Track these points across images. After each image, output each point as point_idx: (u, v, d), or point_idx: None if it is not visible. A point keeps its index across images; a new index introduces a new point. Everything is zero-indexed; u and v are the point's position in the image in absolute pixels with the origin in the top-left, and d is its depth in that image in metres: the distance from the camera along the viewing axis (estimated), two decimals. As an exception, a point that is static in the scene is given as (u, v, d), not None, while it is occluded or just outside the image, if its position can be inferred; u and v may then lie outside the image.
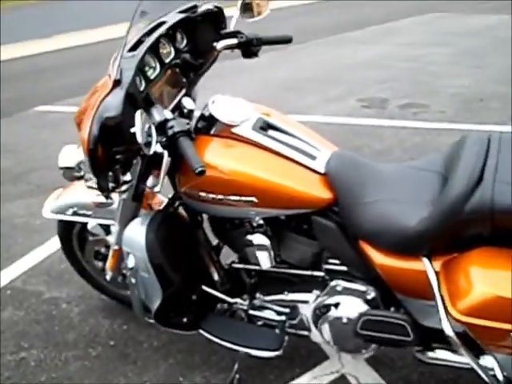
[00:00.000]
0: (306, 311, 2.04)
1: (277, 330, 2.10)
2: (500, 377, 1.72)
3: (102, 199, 2.08)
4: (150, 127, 1.67)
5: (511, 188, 1.56)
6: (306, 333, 2.11)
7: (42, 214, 2.45)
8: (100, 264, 2.54)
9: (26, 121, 5.88)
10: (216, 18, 2.17)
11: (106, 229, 2.48)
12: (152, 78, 1.89)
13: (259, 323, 2.18)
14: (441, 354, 1.93)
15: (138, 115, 1.62)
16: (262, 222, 1.97)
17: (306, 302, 2.03)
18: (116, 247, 2.26)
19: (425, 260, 1.75)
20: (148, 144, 1.65)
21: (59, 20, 13.24)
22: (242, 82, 6.55)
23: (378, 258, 1.82)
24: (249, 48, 2.16)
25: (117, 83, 1.70)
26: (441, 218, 1.65)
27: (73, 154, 2.00)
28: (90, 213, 2.35)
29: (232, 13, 2.19)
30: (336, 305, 1.95)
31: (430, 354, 1.94)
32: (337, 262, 2.00)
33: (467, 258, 1.65)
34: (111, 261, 2.33)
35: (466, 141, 1.80)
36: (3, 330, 2.61)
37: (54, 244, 3.26)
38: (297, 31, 9.49)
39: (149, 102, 1.82)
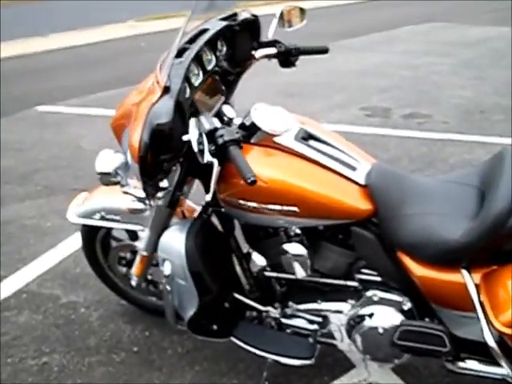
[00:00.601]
0: (340, 320, 2.07)
1: (310, 339, 2.13)
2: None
3: (137, 205, 2.10)
4: (201, 135, 1.70)
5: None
6: (336, 342, 2.15)
7: (68, 219, 2.45)
8: (124, 269, 2.55)
9: (26, 120, 5.84)
10: (253, 26, 2.19)
11: (132, 235, 2.51)
12: (196, 85, 1.91)
13: (289, 331, 2.21)
14: (471, 365, 1.97)
15: (193, 123, 1.64)
16: (298, 231, 2.00)
17: (339, 311, 2.06)
18: (144, 253, 2.27)
19: (464, 272, 1.79)
20: (200, 152, 1.67)
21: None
22: (245, 87, 6.57)
23: (417, 269, 1.86)
24: (287, 58, 2.19)
25: (166, 90, 1.72)
26: (484, 231, 1.69)
27: (110, 159, 2.00)
28: (118, 218, 2.36)
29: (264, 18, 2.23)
30: (371, 315, 1.99)
31: (461, 364, 1.98)
32: (370, 272, 2.04)
33: (508, 271, 1.70)
34: (138, 266, 2.34)
35: (505, 156, 1.84)
36: (22, 334, 2.60)
37: (67, 247, 3.28)
38: (299, 38, 9.53)
39: (194, 109, 1.85)
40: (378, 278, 2.02)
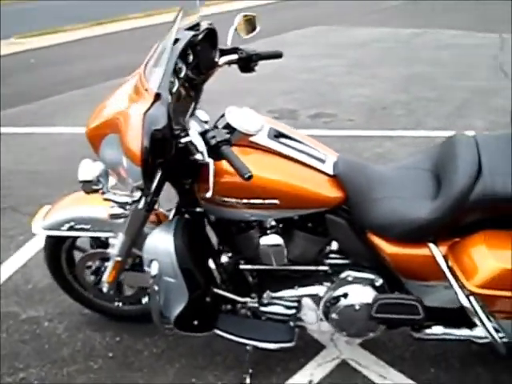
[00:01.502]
0: (316, 303, 2.25)
1: (288, 323, 2.30)
2: (501, 340, 2.03)
3: (116, 211, 2.17)
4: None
5: (508, 179, 1.89)
6: (309, 324, 2.33)
7: (33, 232, 2.47)
8: (92, 278, 2.59)
9: None
10: (212, 35, 2.32)
11: (98, 243, 2.56)
12: (173, 91, 2.02)
13: (265, 318, 2.36)
14: (436, 330, 2.21)
15: (193, 125, 1.76)
16: (273, 223, 2.16)
17: (315, 294, 2.24)
18: (119, 258, 2.34)
19: (431, 246, 2.03)
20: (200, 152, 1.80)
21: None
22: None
23: (387, 247, 2.08)
24: (248, 63, 2.34)
25: (158, 97, 1.83)
26: (448, 208, 1.94)
27: (91, 168, 2.07)
28: (88, 227, 2.41)
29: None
30: (346, 294, 2.18)
31: (427, 330, 2.22)
32: (339, 256, 2.24)
33: (473, 241, 1.95)
34: (112, 272, 2.40)
35: (455, 141, 2.10)
36: (-11, 353, 2.58)
37: (12, 264, 3.24)
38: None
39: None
40: (347, 261, 2.23)
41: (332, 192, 2.08)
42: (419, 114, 5.60)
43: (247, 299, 2.33)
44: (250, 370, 2.35)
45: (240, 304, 2.36)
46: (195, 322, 2.29)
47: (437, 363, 2.36)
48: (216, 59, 2.30)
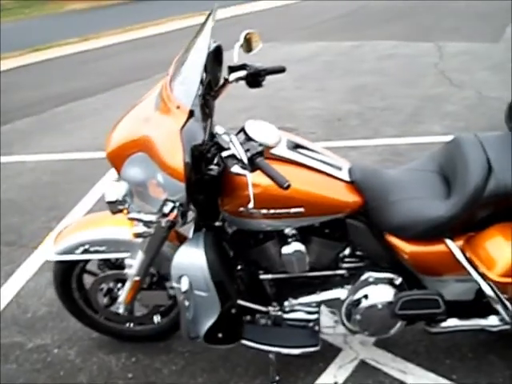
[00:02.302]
0: (337, 307, 2.34)
1: (312, 328, 2.37)
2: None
3: (140, 229, 2.20)
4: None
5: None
6: (333, 327, 2.41)
7: (47, 259, 2.45)
8: (105, 300, 2.59)
9: None
10: (218, 52, 2.39)
11: (110, 265, 2.57)
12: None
13: (286, 325, 2.43)
14: (451, 322, 2.33)
15: (235, 139, 1.83)
16: (294, 231, 2.24)
17: (337, 298, 2.33)
18: (137, 278, 2.37)
19: (449, 242, 2.16)
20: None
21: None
22: (93, 126, 6.62)
23: (406, 247, 2.20)
24: (256, 79, 2.42)
25: (191, 113, 1.88)
26: (464, 205, 2.08)
27: (116, 188, 2.09)
28: (103, 248, 2.42)
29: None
30: (367, 295, 2.28)
31: (443, 324, 2.34)
32: (355, 259, 2.35)
33: (489, 234, 2.11)
34: (129, 293, 2.42)
35: (461, 142, 2.25)
36: (3, 386, 2.54)
37: (4, 295, 3.19)
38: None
39: None
40: (364, 263, 2.34)
41: (351, 197, 2.18)
42: (375, 123, 5.78)
43: (270, 308, 2.39)
44: (277, 377, 2.41)
45: (260, 313, 2.43)
46: (219, 335, 2.34)
47: (451, 354, 2.50)
48: (226, 76, 2.38)
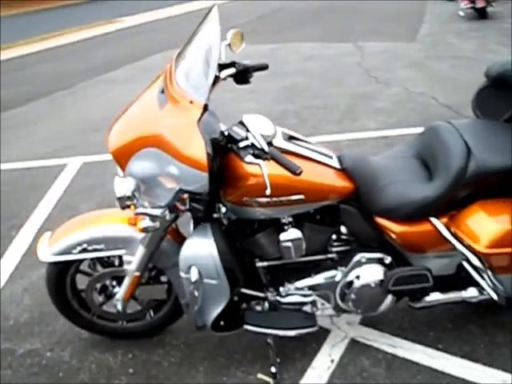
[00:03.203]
0: (331, 288, 2.49)
1: (308, 309, 2.51)
2: (502, 294, 2.40)
3: (147, 224, 2.26)
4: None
5: (494, 155, 2.27)
6: (328, 308, 2.56)
7: (42, 260, 2.47)
8: (101, 299, 2.64)
9: None
10: None
11: (105, 263, 2.62)
12: None
13: (283, 309, 2.56)
14: (435, 296, 2.54)
15: (254, 130, 1.95)
16: (290, 219, 2.38)
17: (331, 280, 2.48)
18: (137, 273, 2.44)
19: (434, 220, 2.36)
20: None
21: None
22: (45, 130, 6.58)
23: (394, 227, 2.39)
24: (244, 76, 2.54)
25: (206, 107, 1.99)
26: (448, 186, 2.29)
27: (125, 184, 2.15)
28: (101, 246, 2.46)
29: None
30: (361, 275, 2.45)
31: (427, 298, 2.54)
32: (347, 242, 2.51)
33: (472, 210, 2.33)
34: (129, 288, 2.49)
35: (438, 129, 2.48)
36: (0, 392, 2.54)
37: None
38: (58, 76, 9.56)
39: None
40: (355, 245, 2.50)
41: (345, 184, 2.35)
42: (313, 122, 6.02)
43: (268, 294, 2.52)
44: (278, 360, 2.54)
45: (258, 300, 2.55)
46: (222, 323, 2.44)
47: (433, 327, 2.71)
48: (217, 73, 2.48)
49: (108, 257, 2.60)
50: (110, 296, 2.66)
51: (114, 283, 2.64)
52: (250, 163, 2.07)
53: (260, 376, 2.49)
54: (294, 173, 2.01)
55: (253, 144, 2.04)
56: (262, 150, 2.00)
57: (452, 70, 7.75)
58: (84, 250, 2.47)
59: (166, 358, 2.67)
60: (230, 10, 16.54)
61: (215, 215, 2.40)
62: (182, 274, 2.31)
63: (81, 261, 2.58)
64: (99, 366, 2.64)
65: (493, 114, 2.65)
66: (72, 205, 4.37)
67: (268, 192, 2.03)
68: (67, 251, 2.48)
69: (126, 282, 2.51)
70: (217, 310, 2.36)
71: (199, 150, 1.96)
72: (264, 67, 2.63)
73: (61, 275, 2.59)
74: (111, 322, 2.78)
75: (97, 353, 2.73)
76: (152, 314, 2.76)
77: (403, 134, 5.35)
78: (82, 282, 2.65)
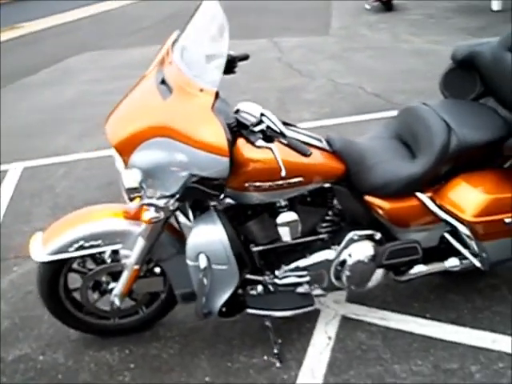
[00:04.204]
0: (326, 267, 2.60)
1: (305, 289, 2.61)
2: (486, 260, 2.58)
3: (153, 214, 2.28)
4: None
5: (473, 130, 2.46)
6: (322, 286, 2.66)
7: (37, 260, 2.43)
8: (96, 296, 2.63)
9: None
10: None
11: (97, 260, 2.61)
12: None
13: (278, 291, 2.64)
14: (418, 269, 2.70)
15: (269, 113, 2.03)
16: (285, 202, 2.46)
17: (325, 259, 2.59)
18: (136, 266, 2.46)
19: (420, 195, 2.52)
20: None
21: None
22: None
23: (383, 204, 2.53)
24: (231, 65, 2.59)
25: (217, 94, 2.05)
26: (433, 162, 2.46)
27: (132, 176, 2.16)
28: (99, 242, 2.45)
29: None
30: (354, 252, 2.57)
31: (411, 271, 2.70)
32: (338, 221, 2.63)
33: (456, 183, 2.51)
34: (128, 282, 2.50)
35: (415, 110, 2.64)
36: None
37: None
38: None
39: None
40: (345, 224, 2.63)
41: (337, 165, 2.46)
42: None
43: (265, 277, 2.59)
44: (280, 340, 2.62)
45: (254, 284, 2.61)
46: (223, 309, 2.50)
47: (416, 299, 2.87)
48: None
49: (100, 253, 2.60)
50: (103, 293, 2.66)
51: (109, 280, 2.63)
52: (261, 147, 2.15)
53: (266, 358, 2.57)
54: (304, 154, 2.11)
55: (268, 127, 2.11)
56: (280, 132, 2.08)
57: (370, 60, 8.09)
58: (81, 247, 2.46)
59: (164, 350, 2.69)
60: (137, 13, 16.51)
61: (212, 203, 2.46)
62: (190, 263, 2.35)
63: (75, 259, 2.57)
64: (98, 365, 2.63)
65: (460, 94, 2.83)
66: (24, 210, 4.27)
67: (283, 174, 2.11)
68: (63, 250, 2.45)
69: (125, 276, 2.51)
70: (225, 296, 2.42)
71: (218, 135, 2.02)
72: (246, 57, 2.70)
73: (55, 275, 2.56)
74: (104, 320, 2.77)
75: (92, 352, 2.71)
76: (144, 308, 2.77)
77: (340, 122, 5.59)
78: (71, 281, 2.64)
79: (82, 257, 2.58)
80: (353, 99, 6.37)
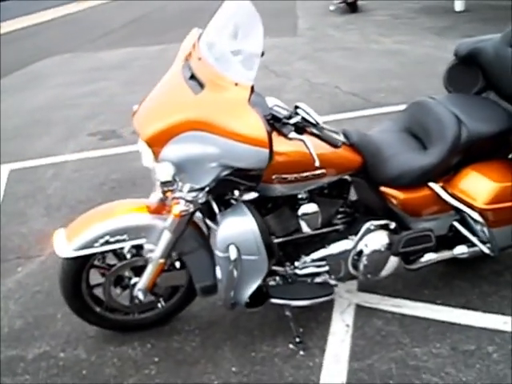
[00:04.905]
0: (344, 257, 2.69)
1: (324, 279, 2.69)
2: (496, 246, 2.72)
3: (184, 207, 2.33)
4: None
5: (481, 122, 2.59)
6: (340, 275, 2.75)
7: (63, 256, 2.45)
8: (118, 291, 2.66)
9: None
10: None
11: (121, 255, 2.64)
12: None
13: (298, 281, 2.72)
14: (428, 257, 2.82)
15: (305, 106, 2.11)
16: (306, 194, 2.55)
17: (344, 249, 2.68)
18: (162, 260, 2.50)
19: (432, 184, 2.64)
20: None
21: None
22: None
23: (398, 194, 2.64)
24: None
25: (253, 88, 2.12)
26: (445, 153, 2.58)
27: (165, 169, 2.20)
28: (124, 237, 2.48)
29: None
30: (371, 242, 2.67)
31: (421, 259, 2.82)
32: (354, 212, 2.73)
33: (467, 173, 2.63)
34: (152, 276, 2.54)
35: (424, 104, 2.77)
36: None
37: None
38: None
39: None
40: (358, 216, 2.72)
41: (356, 157, 2.56)
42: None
43: (286, 268, 2.66)
44: (301, 330, 2.70)
45: (275, 275, 2.69)
46: (248, 300, 2.57)
47: (425, 287, 2.99)
48: None
49: (121, 248, 2.63)
50: (125, 288, 2.69)
51: (131, 275, 2.67)
52: (293, 139, 2.23)
53: (291, 346, 2.65)
54: (335, 145, 2.21)
55: (303, 119, 2.19)
56: (316, 123, 2.16)
57: (342, 60, 8.29)
58: (106, 242, 2.49)
59: (186, 343, 2.74)
60: (99, 18, 16.41)
61: (234, 196, 2.52)
62: (220, 254, 2.40)
63: (97, 255, 2.59)
64: (122, 359, 2.66)
65: (463, 89, 2.96)
66: (18, 212, 4.26)
67: (317, 164, 2.19)
68: (89, 245, 2.48)
69: (149, 270, 2.55)
70: (253, 286, 2.49)
71: (258, 127, 2.08)
72: (262, 54, 2.77)
73: (78, 271, 2.58)
74: (124, 315, 2.80)
75: (113, 347, 2.74)
76: (163, 302, 2.81)
77: (323, 121, 5.67)
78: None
79: (104, 252, 2.62)
80: (330, 98, 6.52)
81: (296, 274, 2.69)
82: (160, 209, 2.56)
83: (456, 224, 2.78)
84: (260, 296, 2.60)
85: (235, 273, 2.41)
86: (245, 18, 2.28)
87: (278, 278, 2.69)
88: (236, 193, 2.47)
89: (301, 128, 2.28)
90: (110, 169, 4.98)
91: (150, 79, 8.07)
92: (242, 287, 2.49)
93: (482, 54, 2.83)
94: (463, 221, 2.77)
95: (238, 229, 2.39)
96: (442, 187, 2.66)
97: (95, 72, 9.16)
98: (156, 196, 2.57)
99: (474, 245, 2.80)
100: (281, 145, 2.29)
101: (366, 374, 2.47)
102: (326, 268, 2.71)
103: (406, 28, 10.54)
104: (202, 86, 2.23)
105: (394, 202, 2.66)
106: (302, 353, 2.61)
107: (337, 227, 2.74)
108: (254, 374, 2.52)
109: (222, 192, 2.45)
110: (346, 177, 2.62)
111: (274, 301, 2.62)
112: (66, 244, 2.50)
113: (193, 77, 2.31)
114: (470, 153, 2.64)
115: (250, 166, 2.19)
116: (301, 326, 2.75)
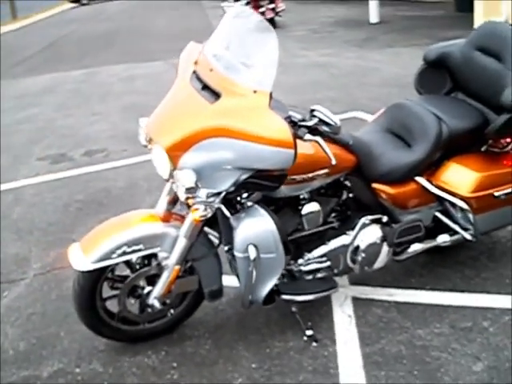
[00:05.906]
0: (343, 252, 2.88)
1: (327, 273, 2.87)
2: (478, 231, 2.98)
3: (204, 212, 2.44)
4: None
5: (460, 120, 2.87)
6: (340, 269, 2.93)
7: (81, 269, 2.50)
8: (132, 301, 2.72)
9: None
10: None
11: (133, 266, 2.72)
12: None
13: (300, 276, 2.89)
14: (415, 247, 3.08)
15: (322, 108, 2.29)
16: (308, 194, 2.73)
17: (342, 244, 2.87)
18: (178, 267, 2.60)
19: (418, 178, 2.89)
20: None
21: None
22: None
23: (388, 189, 2.89)
24: None
25: (271, 95, 2.28)
26: (429, 149, 2.84)
27: (187, 176, 2.32)
28: (140, 247, 2.56)
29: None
30: (367, 235, 2.88)
31: (408, 250, 3.07)
32: (346, 210, 2.93)
33: (450, 165, 2.92)
34: (168, 283, 2.63)
35: (403, 106, 3.02)
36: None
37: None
38: None
39: None
40: (352, 212, 2.93)
41: (352, 157, 2.77)
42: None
43: (292, 265, 2.82)
44: (309, 323, 2.86)
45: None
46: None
47: (411, 275, 3.25)
48: None
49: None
50: (138, 297, 2.76)
51: (144, 284, 2.74)
52: (308, 140, 2.40)
53: (305, 339, 2.80)
54: (346, 144, 2.40)
55: (321, 120, 2.37)
56: (334, 123, 2.34)
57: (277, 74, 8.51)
58: (123, 253, 2.57)
59: (200, 347, 2.84)
60: (13, 44, 16.10)
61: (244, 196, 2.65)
62: (239, 255, 2.53)
63: (112, 267, 2.65)
64: (140, 368, 2.73)
65: (433, 90, 3.24)
66: None
67: (334, 163, 2.38)
68: (107, 256, 2.55)
69: (165, 277, 2.64)
70: (271, 283, 2.64)
71: (282, 130, 2.25)
72: None
73: (95, 283, 2.64)
74: (134, 326, 2.86)
75: (127, 358, 2.80)
76: (172, 310, 2.89)
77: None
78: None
79: (117, 264, 2.68)
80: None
81: (301, 271, 2.86)
82: (168, 217, 2.69)
83: (438, 214, 3.04)
84: (272, 293, 2.76)
85: (254, 272, 2.55)
86: (253, 27, 2.44)
87: (285, 275, 2.85)
88: (244, 195, 2.63)
89: (314, 130, 2.46)
90: (70, 191, 5.00)
91: (83, 102, 8.27)
92: (260, 285, 2.63)
93: (451, 58, 3.13)
94: (445, 211, 3.04)
95: (256, 229, 2.53)
96: (428, 180, 2.92)
97: (24, 99, 9.00)
98: (162, 205, 2.69)
99: (455, 233, 3.07)
100: (301, 147, 2.45)
101: (380, 357, 2.66)
102: (327, 263, 2.90)
103: (327, 41, 11.03)
104: (217, 95, 2.38)
105: (385, 196, 2.89)
106: (314, 344, 2.77)
107: (332, 224, 2.94)
108: (275, 368, 2.67)
109: (236, 196, 2.59)
110: (343, 176, 2.84)
111: (284, 297, 2.77)
112: (83, 257, 2.56)
113: (205, 87, 2.45)
114: (450, 147, 2.91)
115: (275, 166, 2.35)
116: (306, 320, 2.91)
